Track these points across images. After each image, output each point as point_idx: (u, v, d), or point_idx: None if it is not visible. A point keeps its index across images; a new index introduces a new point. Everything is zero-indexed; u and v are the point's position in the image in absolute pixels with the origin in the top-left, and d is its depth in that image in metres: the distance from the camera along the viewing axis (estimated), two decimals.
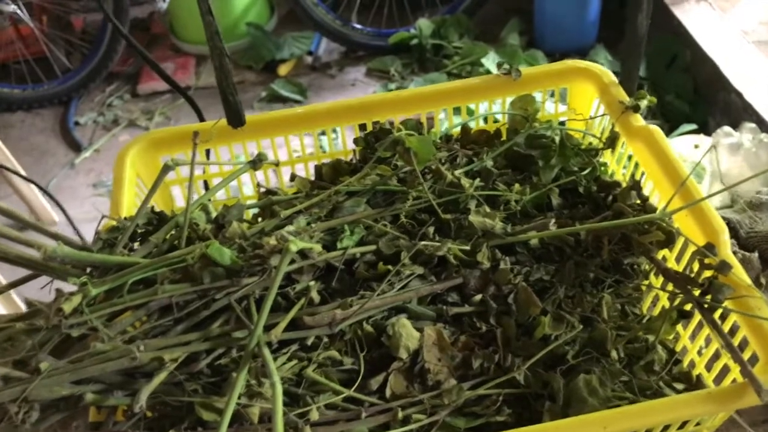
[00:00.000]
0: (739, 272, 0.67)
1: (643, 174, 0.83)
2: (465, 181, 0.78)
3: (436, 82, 2.22)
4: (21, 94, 2.48)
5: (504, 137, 0.93)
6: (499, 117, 0.96)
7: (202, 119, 1.06)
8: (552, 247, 0.77)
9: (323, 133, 0.97)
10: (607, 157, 0.90)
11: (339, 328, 0.68)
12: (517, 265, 0.75)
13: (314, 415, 0.63)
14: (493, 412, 0.67)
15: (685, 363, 0.75)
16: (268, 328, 0.63)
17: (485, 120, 0.97)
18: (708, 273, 0.68)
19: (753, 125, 1.48)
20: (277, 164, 0.86)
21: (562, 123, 0.91)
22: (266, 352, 0.60)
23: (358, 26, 2.47)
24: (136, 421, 0.63)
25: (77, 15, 2.59)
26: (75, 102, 2.50)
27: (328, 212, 0.77)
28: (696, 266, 0.70)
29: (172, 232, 0.73)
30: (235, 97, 0.86)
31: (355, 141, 0.91)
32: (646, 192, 0.81)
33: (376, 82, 2.40)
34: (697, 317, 0.70)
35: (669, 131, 1.88)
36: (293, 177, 0.89)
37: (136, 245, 0.75)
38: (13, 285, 0.74)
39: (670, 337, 0.76)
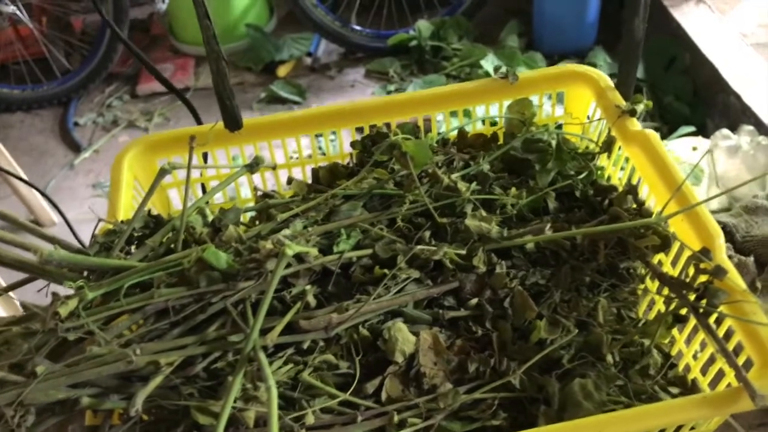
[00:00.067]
0: (735, 277, 0.67)
1: (639, 178, 0.83)
2: (461, 185, 0.78)
3: (435, 84, 2.22)
4: (20, 94, 2.48)
5: (501, 141, 0.93)
6: (496, 119, 0.96)
7: (199, 122, 1.06)
8: (548, 251, 0.77)
9: (320, 135, 0.97)
10: (603, 161, 0.90)
11: (335, 332, 0.68)
12: (513, 269, 0.75)
13: (310, 419, 0.63)
14: (489, 416, 0.67)
15: (681, 367, 0.75)
16: (264, 332, 0.64)
17: (483, 123, 0.97)
18: (703, 277, 0.68)
19: (751, 128, 1.49)
20: (274, 168, 0.86)
21: (559, 127, 0.91)
22: (262, 356, 0.61)
23: (358, 28, 2.47)
24: (132, 425, 0.63)
25: (77, 16, 2.59)
26: (74, 103, 2.50)
27: (325, 216, 0.77)
28: (691, 270, 0.70)
29: (169, 235, 0.74)
30: (232, 101, 0.86)
31: (352, 144, 0.91)
32: (642, 196, 0.82)
33: (375, 83, 2.40)
34: (693, 321, 0.70)
35: (668, 133, 1.88)
36: (290, 180, 0.89)
37: (132, 248, 0.75)
38: (10, 288, 0.74)
39: (666, 341, 0.76)
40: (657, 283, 0.76)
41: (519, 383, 0.68)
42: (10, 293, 0.75)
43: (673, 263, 0.77)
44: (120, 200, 0.82)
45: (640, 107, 0.82)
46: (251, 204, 0.94)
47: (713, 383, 0.72)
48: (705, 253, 0.69)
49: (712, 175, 1.37)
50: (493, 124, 0.97)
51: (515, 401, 0.69)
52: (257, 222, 0.85)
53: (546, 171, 0.83)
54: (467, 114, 1.16)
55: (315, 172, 0.91)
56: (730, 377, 0.67)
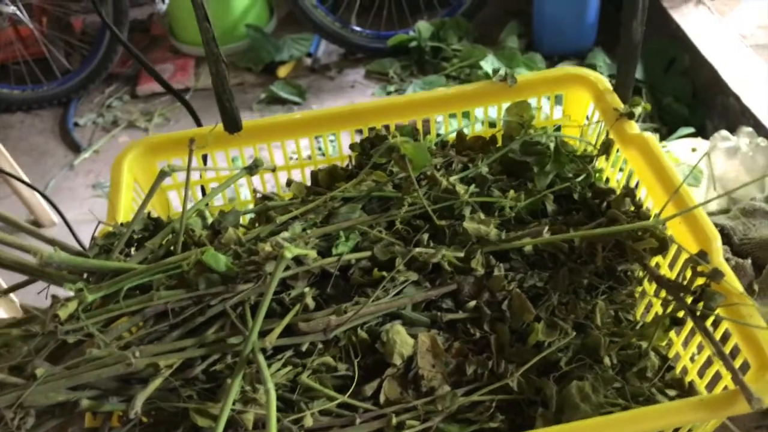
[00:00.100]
0: (732, 280, 0.68)
1: (637, 180, 0.84)
2: (460, 188, 0.79)
3: (435, 85, 2.22)
4: (20, 94, 2.48)
5: (500, 143, 0.93)
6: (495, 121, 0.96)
7: (198, 124, 1.06)
8: (546, 254, 0.77)
9: (319, 136, 0.97)
10: (602, 163, 0.90)
11: (333, 334, 0.69)
12: (511, 271, 0.75)
13: (308, 421, 0.64)
14: (487, 419, 0.67)
15: (678, 369, 0.75)
16: (263, 334, 0.64)
17: (481, 124, 0.97)
18: (700, 280, 0.69)
19: (750, 129, 1.49)
20: (273, 170, 0.86)
21: (557, 129, 0.91)
22: (261, 358, 0.61)
23: (357, 28, 2.47)
24: (131, 427, 0.63)
25: (77, 16, 2.59)
26: (74, 103, 2.50)
27: (324, 218, 0.78)
28: (689, 273, 0.70)
29: (168, 237, 0.74)
30: (232, 103, 0.86)
31: (351, 147, 0.91)
32: (640, 198, 0.82)
33: (375, 84, 2.40)
34: (690, 324, 0.71)
35: (667, 134, 1.88)
36: (290, 182, 0.89)
37: (132, 251, 0.75)
38: (10, 290, 0.74)
39: (663, 344, 0.77)
40: (654, 286, 0.76)
41: (517, 385, 0.68)
42: (11, 294, 0.76)
43: (671, 266, 0.77)
44: (120, 202, 0.82)
45: (638, 110, 0.83)
46: (251, 205, 0.95)
47: (710, 385, 0.72)
48: (702, 256, 0.69)
49: (710, 177, 1.37)
50: (493, 125, 0.98)
51: (513, 403, 0.69)
52: (257, 224, 0.85)
53: (544, 173, 0.83)
54: (466, 116, 1.16)
55: (314, 174, 0.91)
56: (727, 380, 0.68)
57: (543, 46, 2.31)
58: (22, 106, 2.47)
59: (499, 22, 2.45)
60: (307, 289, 0.70)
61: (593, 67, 2.19)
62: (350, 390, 0.67)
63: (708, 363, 0.72)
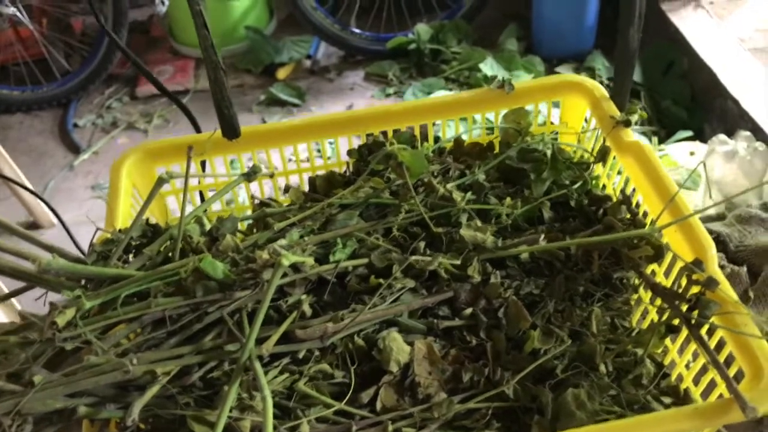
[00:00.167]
0: (727, 288, 0.68)
1: (633, 188, 0.84)
2: (457, 195, 0.79)
3: (434, 87, 2.22)
4: (20, 95, 2.48)
5: (497, 149, 0.94)
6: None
7: (197, 128, 1.06)
8: (542, 261, 0.77)
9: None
10: (598, 170, 0.90)
11: (330, 341, 0.69)
12: (507, 279, 0.76)
13: (305, 429, 0.64)
14: (483, 426, 0.68)
15: (673, 377, 0.75)
16: (260, 342, 0.64)
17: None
18: (696, 288, 0.69)
19: (748, 133, 1.49)
20: (271, 176, 0.87)
21: (554, 137, 0.92)
22: (257, 365, 0.61)
23: (357, 30, 2.48)
24: None
25: (77, 17, 2.59)
26: (74, 104, 2.50)
27: (321, 225, 0.78)
28: (684, 281, 0.70)
29: (166, 244, 0.74)
30: (230, 110, 0.86)
31: (349, 153, 0.91)
32: (635, 206, 0.82)
33: (375, 86, 2.40)
34: (686, 331, 0.71)
35: (665, 137, 1.89)
36: (287, 189, 0.90)
37: (130, 257, 0.76)
38: (8, 297, 0.74)
39: (659, 351, 0.77)
40: (650, 294, 0.76)
41: (513, 393, 0.69)
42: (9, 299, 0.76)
43: (666, 273, 0.78)
44: (118, 208, 0.82)
45: (634, 118, 0.83)
46: (249, 210, 0.95)
47: (706, 393, 0.72)
48: (697, 264, 0.69)
49: (707, 181, 1.37)
50: (491, 128, 0.98)
51: (509, 411, 0.69)
52: (254, 229, 0.85)
53: (541, 180, 0.83)
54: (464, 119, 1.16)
55: (312, 180, 0.91)
56: (722, 388, 0.68)
57: (542, 49, 2.31)
58: (21, 107, 2.47)
59: (498, 25, 2.45)
60: (304, 297, 0.70)
61: (592, 70, 2.20)
62: (347, 397, 0.67)
63: (703, 370, 0.72)
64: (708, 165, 1.39)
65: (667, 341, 0.76)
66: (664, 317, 0.72)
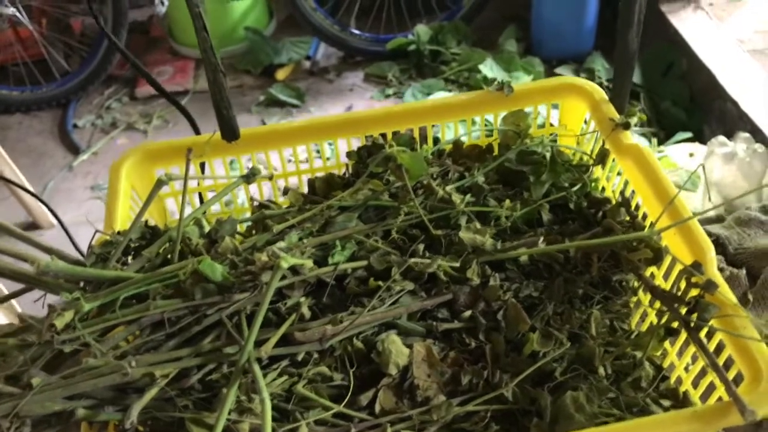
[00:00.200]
0: (726, 291, 0.68)
1: (632, 190, 0.84)
2: (456, 197, 0.79)
3: (434, 88, 2.22)
4: (19, 96, 2.48)
5: (496, 152, 0.94)
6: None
7: (196, 131, 1.06)
8: (541, 264, 0.77)
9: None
10: (597, 172, 0.90)
11: (329, 343, 0.69)
12: (506, 281, 0.76)
13: (304, 431, 0.64)
14: (482, 429, 0.68)
15: (672, 380, 0.75)
16: (258, 344, 0.64)
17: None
18: (695, 291, 0.69)
19: (747, 135, 1.50)
20: (270, 178, 0.87)
21: (553, 139, 0.92)
22: (256, 368, 0.61)
23: (357, 31, 2.48)
24: None
25: (76, 18, 2.59)
26: (73, 104, 2.50)
27: (320, 227, 0.78)
28: (683, 284, 0.70)
29: (165, 246, 0.74)
30: (229, 112, 0.86)
31: (348, 155, 0.91)
32: (635, 208, 0.82)
33: (374, 87, 2.40)
34: (685, 334, 0.71)
35: (665, 139, 1.89)
36: (286, 191, 0.90)
37: (129, 259, 0.76)
38: (7, 299, 0.74)
39: (658, 354, 0.77)
40: (649, 296, 0.76)
41: (511, 396, 0.69)
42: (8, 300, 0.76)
43: (665, 276, 0.78)
44: (117, 210, 0.82)
45: (633, 120, 0.83)
46: (248, 212, 0.95)
47: (705, 396, 0.72)
48: (696, 266, 0.69)
49: (707, 183, 1.37)
50: (489, 132, 0.98)
51: (508, 413, 0.69)
52: (254, 231, 0.85)
53: (540, 183, 0.83)
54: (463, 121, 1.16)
55: (311, 182, 0.91)
56: (721, 391, 0.68)
57: (541, 50, 2.31)
58: (21, 108, 2.47)
59: (498, 26, 2.46)
60: (303, 299, 0.70)
61: (591, 71, 2.20)
62: (345, 400, 0.67)
63: (702, 373, 0.72)
64: (707, 167, 1.39)
65: (666, 344, 0.76)
66: (663, 320, 0.72)
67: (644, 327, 0.81)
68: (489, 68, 2.19)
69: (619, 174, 0.87)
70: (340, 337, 0.69)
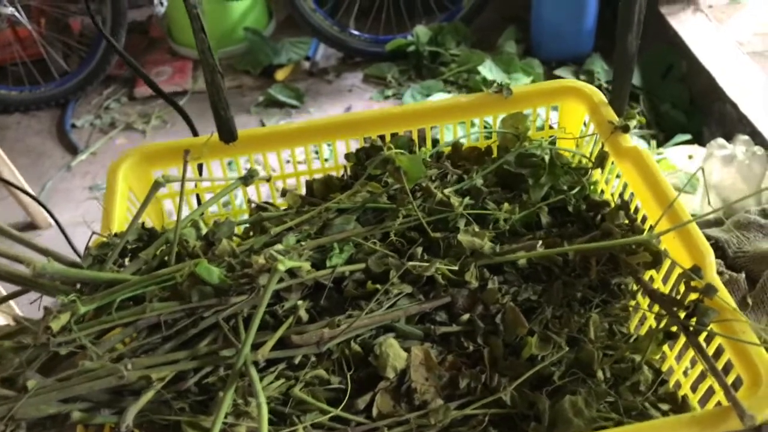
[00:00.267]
0: (725, 295, 0.68)
1: (631, 193, 0.84)
2: (454, 200, 0.79)
3: (433, 89, 2.22)
4: (18, 95, 2.48)
5: (495, 154, 0.94)
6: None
7: (194, 132, 1.06)
8: (540, 267, 0.77)
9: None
10: (597, 175, 0.90)
11: (327, 347, 0.69)
12: (505, 284, 0.75)
13: None
14: None
15: (671, 383, 0.75)
16: (255, 347, 0.64)
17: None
18: (694, 295, 0.69)
19: (746, 137, 1.49)
20: (268, 179, 0.86)
21: (552, 142, 0.91)
22: (253, 371, 0.61)
23: (356, 32, 2.47)
24: None
25: (75, 18, 2.59)
26: (72, 104, 2.50)
27: (318, 229, 0.78)
28: (682, 288, 0.70)
29: (162, 248, 0.74)
30: (227, 113, 0.86)
31: (347, 156, 0.91)
32: (634, 211, 0.82)
33: (373, 88, 2.40)
34: (684, 338, 0.71)
35: (664, 141, 1.88)
36: (284, 192, 0.89)
37: (126, 261, 0.75)
38: (4, 300, 0.74)
39: (657, 358, 0.77)
40: (648, 300, 0.76)
41: (510, 399, 0.68)
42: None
43: (664, 280, 0.77)
44: (114, 211, 0.82)
45: (632, 122, 0.83)
46: (246, 214, 0.95)
47: (704, 400, 0.72)
48: (696, 270, 0.69)
49: (706, 185, 1.37)
50: (488, 133, 0.98)
51: (506, 417, 0.69)
52: (251, 233, 0.85)
53: (539, 185, 0.83)
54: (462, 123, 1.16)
55: (309, 184, 0.91)
56: (720, 395, 0.68)
57: (541, 51, 2.31)
58: (19, 107, 2.47)
59: (497, 28, 2.45)
60: (300, 302, 0.70)
61: (591, 73, 2.20)
62: (343, 403, 0.67)
63: (701, 377, 0.72)
64: (706, 169, 1.39)
65: (665, 348, 0.76)
66: (662, 324, 0.72)
67: (643, 331, 0.81)
68: (488, 70, 2.18)
69: (618, 177, 0.87)
70: (337, 340, 0.69)
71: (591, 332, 0.73)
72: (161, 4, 2.40)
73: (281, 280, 0.68)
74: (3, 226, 0.74)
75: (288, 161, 0.97)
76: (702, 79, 1.91)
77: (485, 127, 1.01)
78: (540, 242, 0.73)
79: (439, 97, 2.07)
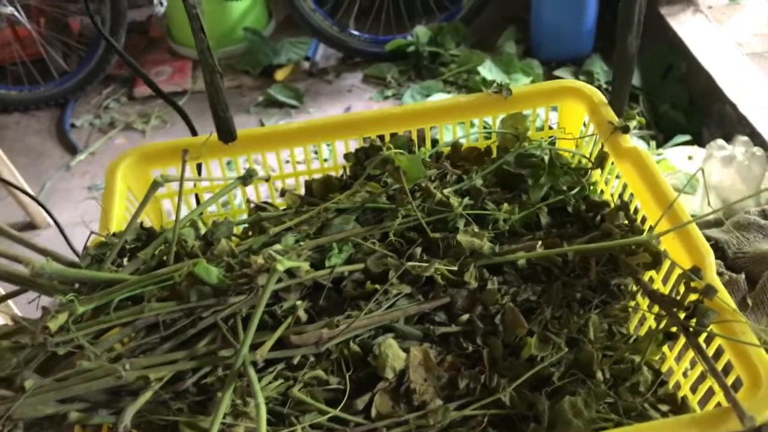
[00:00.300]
0: (725, 296, 0.67)
1: (631, 193, 0.84)
2: (454, 200, 0.78)
3: (433, 90, 2.22)
4: (17, 95, 2.48)
5: (494, 154, 0.93)
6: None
7: (193, 132, 1.06)
8: (539, 267, 0.77)
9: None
10: (596, 176, 0.90)
11: (325, 347, 0.68)
12: (504, 285, 0.75)
13: None
14: None
15: (671, 384, 0.75)
16: (254, 347, 0.64)
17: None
18: (693, 296, 0.69)
19: (746, 138, 1.49)
20: (267, 179, 0.86)
21: (552, 142, 0.91)
22: (251, 371, 0.61)
23: (356, 33, 2.47)
24: None
25: (75, 17, 2.59)
26: (71, 104, 2.50)
27: (317, 229, 0.77)
28: (682, 288, 0.70)
29: (161, 248, 0.74)
30: (226, 113, 0.86)
31: (346, 157, 0.91)
32: (633, 212, 0.82)
33: (373, 88, 2.40)
34: (683, 339, 0.71)
35: (663, 141, 1.88)
36: (283, 192, 0.89)
37: (124, 261, 0.75)
38: (3, 299, 0.74)
39: (656, 358, 0.76)
40: (648, 300, 0.76)
41: (509, 400, 0.68)
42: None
43: (664, 280, 0.77)
44: (113, 211, 0.82)
45: (632, 123, 0.83)
46: (245, 213, 0.94)
47: (703, 401, 0.72)
48: (695, 271, 0.69)
49: (705, 186, 1.37)
50: (488, 134, 0.98)
51: (505, 418, 0.69)
52: (250, 233, 0.85)
53: (539, 186, 0.83)
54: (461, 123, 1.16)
55: (308, 184, 0.91)
56: (720, 396, 0.68)
57: (541, 52, 2.31)
58: (19, 107, 2.47)
59: (497, 28, 2.45)
60: (299, 302, 0.70)
61: (590, 73, 2.20)
62: (342, 404, 0.66)
63: (701, 378, 0.72)
64: (706, 170, 1.39)
65: (665, 349, 0.76)
66: (662, 325, 0.71)
67: (643, 331, 0.81)
68: (488, 70, 2.18)
69: (617, 177, 0.87)
70: (336, 341, 0.69)
71: (590, 333, 0.73)
72: (161, 4, 2.40)
73: (280, 280, 0.68)
74: (1, 226, 0.73)
75: (287, 161, 0.97)
76: (701, 79, 1.91)
77: (485, 128, 1.01)
78: (539, 243, 0.73)
79: (439, 98, 2.07)
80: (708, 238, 0.74)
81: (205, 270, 0.66)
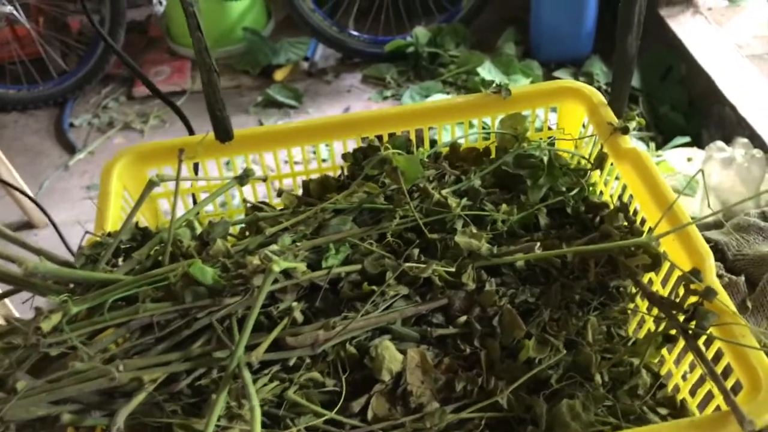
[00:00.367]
0: (724, 298, 0.67)
1: (630, 195, 0.83)
2: (452, 201, 0.78)
3: (432, 90, 2.22)
4: (16, 94, 2.47)
5: (493, 155, 0.93)
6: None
7: (190, 131, 1.05)
8: (538, 269, 0.76)
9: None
10: (595, 177, 0.90)
11: (321, 348, 0.68)
12: (502, 286, 0.75)
13: None
14: None
15: (670, 388, 0.74)
16: (249, 349, 0.63)
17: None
18: (693, 298, 0.68)
19: (745, 140, 1.49)
20: (264, 179, 0.86)
21: (551, 143, 0.91)
22: (246, 373, 0.60)
23: (355, 33, 2.47)
24: None
25: (74, 16, 2.58)
26: (70, 103, 2.49)
27: (314, 230, 0.77)
28: (681, 291, 0.69)
29: (156, 248, 0.73)
30: (223, 113, 0.85)
31: (344, 157, 0.90)
32: (633, 213, 0.81)
33: (372, 88, 2.39)
34: (683, 342, 0.70)
35: (663, 143, 1.88)
36: (280, 192, 0.89)
37: (119, 261, 0.74)
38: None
39: (655, 361, 0.76)
40: (647, 302, 0.75)
41: (506, 403, 0.68)
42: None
43: (664, 282, 0.77)
44: (108, 210, 0.81)
45: (632, 124, 0.82)
46: (242, 214, 0.94)
47: (702, 404, 0.71)
48: (695, 273, 0.68)
49: (705, 188, 1.37)
50: (487, 135, 0.97)
51: (503, 421, 0.68)
52: (247, 233, 0.84)
53: (537, 187, 0.82)
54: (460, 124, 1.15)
55: (306, 184, 0.90)
56: (719, 400, 0.67)
57: (540, 53, 2.31)
58: (17, 106, 2.46)
59: (497, 29, 2.45)
60: (295, 303, 0.69)
61: (590, 74, 2.19)
62: (338, 406, 0.66)
63: (700, 381, 0.71)
64: (705, 171, 1.38)
65: (664, 351, 0.76)
66: (661, 327, 0.71)
67: (642, 334, 0.80)
68: (487, 71, 2.18)
69: (617, 178, 0.86)
70: (332, 342, 0.68)
71: (589, 335, 0.73)
72: (160, 3, 2.39)
73: (276, 281, 0.68)
74: None
75: (285, 161, 0.96)
76: (701, 81, 1.90)
77: (483, 128, 1.00)
78: (538, 244, 0.73)
79: (438, 98, 2.06)
80: (708, 240, 0.74)
81: (201, 270, 0.65)
